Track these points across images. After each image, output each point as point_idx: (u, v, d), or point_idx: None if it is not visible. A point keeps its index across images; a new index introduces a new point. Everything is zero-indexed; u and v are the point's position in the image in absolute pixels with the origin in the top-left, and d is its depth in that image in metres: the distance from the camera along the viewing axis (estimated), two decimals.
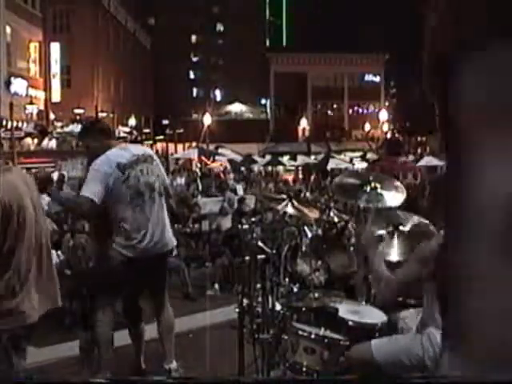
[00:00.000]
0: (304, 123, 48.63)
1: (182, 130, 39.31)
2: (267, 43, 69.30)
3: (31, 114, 32.82)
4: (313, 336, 3.13)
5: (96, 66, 42.28)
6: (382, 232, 3.46)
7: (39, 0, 36.06)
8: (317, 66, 57.14)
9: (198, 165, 23.23)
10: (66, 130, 31.20)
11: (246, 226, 4.38)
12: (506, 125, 0.56)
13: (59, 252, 7.34)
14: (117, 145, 4.41)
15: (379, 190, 3.70)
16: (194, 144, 33.58)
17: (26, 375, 3.36)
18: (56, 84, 39.65)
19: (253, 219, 5.22)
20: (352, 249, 4.23)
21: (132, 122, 42.56)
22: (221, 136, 36.94)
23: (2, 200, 2.81)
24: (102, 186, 4.08)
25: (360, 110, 59.79)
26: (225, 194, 11.61)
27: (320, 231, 4.55)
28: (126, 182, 4.16)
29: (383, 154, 5.55)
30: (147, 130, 44.44)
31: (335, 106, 60.70)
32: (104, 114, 35.98)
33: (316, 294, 3.61)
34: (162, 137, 40.23)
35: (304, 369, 3.11)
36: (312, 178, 18.62)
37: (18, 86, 31.69)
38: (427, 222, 3.32)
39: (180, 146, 35.81)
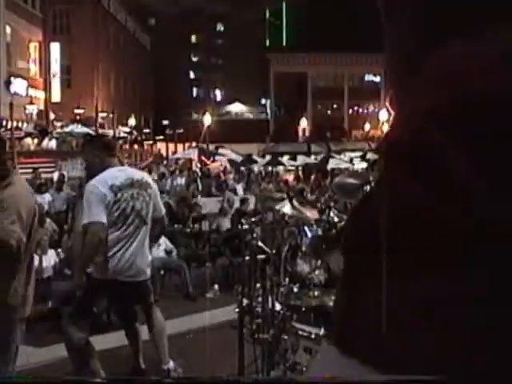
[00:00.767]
0: (304, 123, 48.68)
1: (181, 130, 39.33)
2: (267, 43, 69.33)
3: (31, 114, 32.83)
4: (313, 336, 3.13)
5: (96, 66, 42.29)
6: None
7: (39, 0, 36.06)
8: (317, 66, 57.16)
9: (198, 165, 23.24)
10: (66, 130, 31.20)
11: (246, 226, 4.38)
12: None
13: (59, 252, 7.36)
14: (116, 165, 4.40)
15: None
16: (194, 144, 33.60)
17: (22, 375, 3.37)
18: (56, 84, 39.66)
19: (253, 219, 5.22)
20: None
21: (132, 122, 42.55)
22: (221, 136, 36.96)
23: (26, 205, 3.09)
24: (103, 207, 4.10)
25: (360, 110, 59.81)
26: (224, 194, 11.62)
27: (320, 231, 4.55)
28: (117, 204, 4.16)
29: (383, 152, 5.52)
30: (147, 130, 44.45)
31: (335, 106, 60.73)
32: (104, 114, 36.01)
33: (316, 294, 3.61)
34: (161, 137, 40.24)
35: (304, 369, 3.11)
36: (312, 178, 18.63)
37: (18, 86, 31.69)
38: None
39: (180, 146, 35.83)
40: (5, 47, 30.86)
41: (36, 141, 28.90)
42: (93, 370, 4.19)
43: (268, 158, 31.77)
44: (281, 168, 28.09)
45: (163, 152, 34.45)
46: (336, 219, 4.47)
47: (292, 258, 4.43)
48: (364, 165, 23.43)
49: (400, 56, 0.59)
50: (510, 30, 0.47)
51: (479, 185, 0.46)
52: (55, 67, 39.64)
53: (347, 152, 36.46)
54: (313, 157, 31.45)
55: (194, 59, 72.08)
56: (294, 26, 66.01)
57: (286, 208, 4.24)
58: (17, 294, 3.15)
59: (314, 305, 3.44)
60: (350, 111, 60.02)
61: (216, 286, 7.86)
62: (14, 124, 24.83)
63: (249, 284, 3.98)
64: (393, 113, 0.60)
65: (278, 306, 3.66)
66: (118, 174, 4.28)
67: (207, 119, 34.41)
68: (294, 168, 27.00)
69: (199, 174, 19.08)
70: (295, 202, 4.27)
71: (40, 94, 35.84)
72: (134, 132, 41.16)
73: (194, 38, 70.99)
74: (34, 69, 36.00)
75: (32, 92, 33.28)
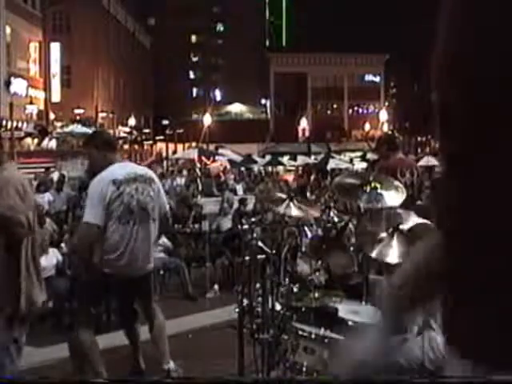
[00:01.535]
0: (304, 123, 48.65)
1: (182, 130, 39.32)
2: (267, 43, 69.33)
3: (31, 114, 32.81)
4: (313, 336, 3.13)
5: (96, 66, 42.28)
6: (383, 234, 3.46)
7: (39, 0, 36.04)
8: (317, 66, 57.13)
9: (198, 165, 23.23)
10: (66, 130, 31.20)
11: (245, 226, 4.37)
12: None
13: (59, 251, 7.35)
14: (118, 160, 4.40)
15: (379, 190, 3.70)
16: (194, 144, 33.59)
17: (21, 375, 3.37)
18: (56, 84, 39.64)
19: (253, 219, 5.22)
20: (352, 249, 4.22)
21: (132, 122, 42.55)
22: (221, 136, 36.95)
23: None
24: (101, 207, 4.08)
25: (360, 110, 59.77)
26: (223, 194, 11.61)
27: (320, 231, 4.54)
28: (120, 198, 4.14)
29: (384, 151, 5.52)
30: (147, 130, 44.47)
31: (335, 106, 60.69)
32: (104, 114, 36.02)
33: (316, 294, 3.61)
34: (161, 137, 40.24)
35: (304, 369, 3.11)
36: (312, 177, 18.62)
37: (18, 86, 31.67)
38: (427, 222, 3.32)
39: (180, 146, 35.83)
40: (5, 47, 30.84)
41: (36, 141, 28.90)
42: (98, 372, 4.18)
43: (268, 157, 31.78)
44: (281, 168, 28.09)
45: (164, 152, 34.47)
46: (336, 219, 4.46)
47: (292, 258, 4.42)
48: (364, 165, 23.42)
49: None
50: None
51: None
52: (55, 67, 39.62)
53: (347, 152, 36.46)
54: (313, 157, 31.45)
55: (194, 59, 72.07)
56: (293, 26, 65.99)
57: (286, 208, 4.24)
58: (21, 292, 3.11)
59: (314, 305, 3.44)
60: (350, 111, 60.00)
61: (216, 286, 7.86)
62: (14, 124, 24.83)
63: (249, 284, 3.97)
64: None
65: (278, 306, 3.66)
66: (120, 168, 4.27)
67: (207, 119, 34.41)
68: (293, 168, 27.00)
69: (199, 173, 19.08)
70: (295, 202, 4.27)
71: (40, 94, 35.83)
72: (134, 132, 41.16)
73: (194, 38, 70.99)
74: (33, 69, 35.98)
75: (32, 92, 33.26)
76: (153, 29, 64.57)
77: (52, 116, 37.01)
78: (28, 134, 28.98)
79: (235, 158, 27.32)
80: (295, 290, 3.81)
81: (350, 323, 3.14)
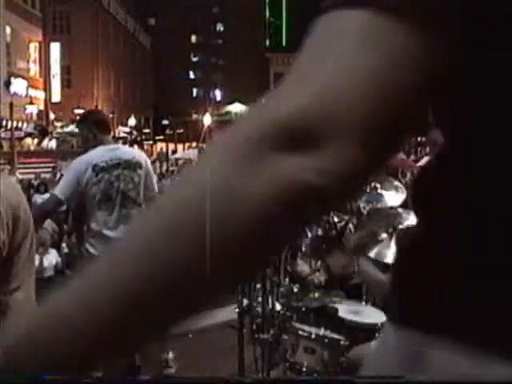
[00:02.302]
0: None
1: (181, 130, 39.33)
2: (267, 43, 69.33)
3: (31, 114, 32.83)
4: (313, 336, 3.13)
5: (96, 66, 42.29)
6: (383, 234, 3.46)
7: (39, 0, 36.06)
8: None
9: None
10: (66, 130, 31.22)
11: None
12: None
13: (59, 252, 7.37)
14: (108, 143, 4.34)
15: (379, 190, 3.70)
16: (194, 144, 33.60)
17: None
18: (56, 84, 39.67)
19: None
20: (352, 249, 4.22)
21: (132, 122, 42.57)
22: None
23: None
24: (72, 184, 4.05)
25: None
26: None
27: (320, 231, 4.54)
28: (98, 185, 4.11)
29: None
30: (147, 130, 44.47)
31: None
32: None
33: (316, 294, 3.61)
34: (161, 137, 40.26)
35: (304, 369, 3.11)
36: None
37: (18, 86, 31.69)
38: None
39: (180, 146, 35.84)
40: (5, 47, 30.85)
41: (36, 141, 28.91)
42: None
43: None
44: None
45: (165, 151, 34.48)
46: (336, 219, 4.46)
47: (292, 258, 4.43)
48: None
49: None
50: None
51: None
52: (55, 67, 39.65)
53: None
54: None
55: (194, 59, 72.08)
56: (293, 26, 66.00)
57: None
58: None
59: (314, 305, 3.44)
60: None
61: None
62: (14, 124, 24.84)
63: (249, 284, 3.97)
64: None
65: (278, 306, 3.66)
66: (106, 153, 4.20)
67: (207, 119, 34.41)
68: None
69: None
70: None
71: (40, 94, 35.84)
72: (134, 132, 41.17)
73: (193, 38, 71.00)
74: (33, 69, 36.00)
75: (32, 92, 33.27)
76: (153, 29, 64.59)
77: (52, 116, 37.03)
78: (28, 134, 29.00)
79: None
80: (295, 290, 3.82)
81: (350, 323, 3.15)
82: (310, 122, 0.45)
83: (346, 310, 3.28)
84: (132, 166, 4.30)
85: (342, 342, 3.07)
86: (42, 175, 15.49)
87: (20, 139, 26.47)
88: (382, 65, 0.46)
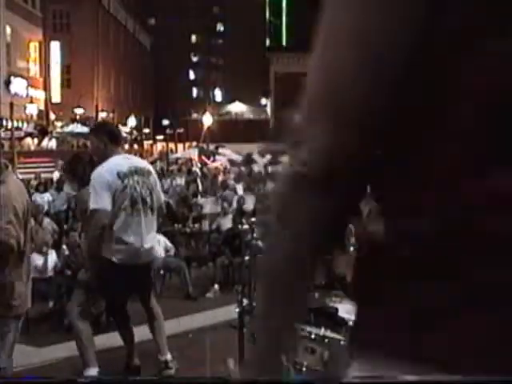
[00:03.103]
0: None
1: (181, 130, 39.31)
2: (267, 43, 69.27)
3: (31, 114, 32.82)
4: (313, 336, 3.13)
5: (96, 66, 42.28)
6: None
7: (39, 0, 36.05)
8: None
9: (199, 165, 23.23)
10: (66, 130, 31.23)
11: (246, 226, 4.38)
12: None
13: (59, 252, 7.36)
14: (120, 153, 4.47)
15: None
16: (194, 144, 33.59)
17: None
18: (56, 84, 39.65)
19: (253, 219, 5.22)
20: (352, 249, 4.22)
21: (132, 122, 42.55)
22: (221, 136, 36.93)
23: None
24: (109, 195, 4.16)
25: None
26: (222, 194, 11.61)
27: None
28: (125, 191, 4.23)
29: None
30: (147, 130, 44.45)
31: None
32: (104, 114, 35.99)
33: (316, 294, 3.61)
34: (161, 137, 40.24)
35: (304, 369, 3.11)
36: None
37: (18, 85, 31.69)
38: None
39: (180, 146, 35.82)
40: (5, 47, 30.85)
41: (36, 141, 28.90)
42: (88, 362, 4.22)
43: (268, 157, 31.75)
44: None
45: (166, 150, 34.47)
46: None
47: None
48: None
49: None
50: None
51: None
52: (55, 67, 39.64)
53: None
54: None
55: (194, 59, 72.05)
56: (293, 25, 65.95)
57: None
58: (14, 292, 3.14)
59: (314, 305, 3.44)
60: None
61: (216, 286, 7.86)
62: (14, 124, 24.82)
63: (249, 284, 3.98)
64: None
65: None
66: (123, 161, 4.35)
67: (207, 119, 34.42)
68: None
69: (199, 173, 19.07)
70: None
71: (40, 94, 35.83)
72: (134, 132, 41.14)
73: (193, 38, 70.96)
74: (33, 69, 35.99)
75: (32, 92, 33.26)
76: (153, 29, 64.56)
77: (52, 116, 37.02)
78: (28, 134, 28.99)
79: (235, 157, 27.31)
80: None
81: (350, 323, 3.15)
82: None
83: (345, 310, 3.28)
84: (145, 173, 4.44)
85: (342, 342, 3.07)
86: (42, 175, 15.49)
87: (20, 139, 26.44)
88: None
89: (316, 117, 0.67)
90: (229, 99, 64.62)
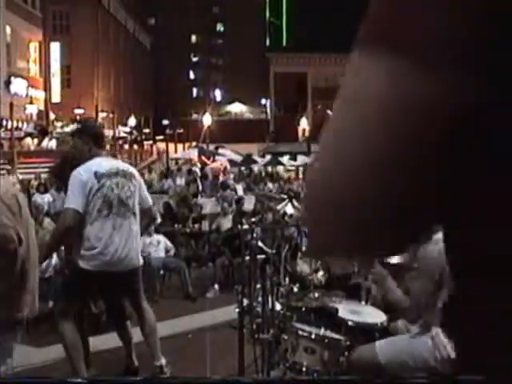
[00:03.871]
0: (304, 123, 48.65)
1: (181, 130, 39.33)
2: (267, 43, 69.32)
3: (31, 114, 32.83)
4: (313, 336, 3.13)
5: (96, 66, 42.29)
6: None
7: (39, 0, 36.06)
8: (317, 66, 57.16)
9: (199, 165, 23.25)
10: (66, 130, 31.19)
11: (246, 226, 4.37)
12: None
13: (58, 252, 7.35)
14: (103, 155, 4.42)
15: None
16: (194, 144, 33.60)
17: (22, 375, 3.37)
18: (56, 84, 39.69)
19: (253, 219, 5.21)
20: None
21: (132, 122, 42.56)
22: (221, 136, 36.96)
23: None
24: (83, 195, 4.09)
25: None
26: (222, 194, 11.62)
27: None
28: (100, 191, 4.15)
29: None
30: (147, 130, 44.47)
31: None
32: (104, 114, 36.00)
33: (316, 294, 3.61)
34: (161, 137, 40.25)
35: (304, 369, 3.11)
36: None
37: (18, 86, 31.70)
38: None
39: (180, 146, 35.84)
40: (5, 47, 30.86)
41: (36, 141, 28.92)
42: (76, 368, 4.20)
43: (268, 157, 31.78)
44: (281, 168, 28.10)
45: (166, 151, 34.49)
46: None
47: (292, 258, 4.42)
48: None
49: None
50: None
51: None
52: (55, 67, 39.66)
53: None
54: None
55: (194, 59, 72.08)
56: (294, 25, 66.01)
57: (286, 208, 4.24)
58: (11, 294, 3.10)
59: (314, 305, 3.44)
60: None
61: (216, 286, 7.86)
62: (14, 124, 24.83)
63: (249, 284, 3.97)
64: None
65: (278, 306, 3.66)
66: (103, 162, 4.29)
67: (207, 119, 34.42)
68: (293, 168, 27.01)
69: (199, 173, 19.09)
70: (295, 202, 4.27)
71: (40, 94, 35.85)
72: (134, 132, 41.16)
73: (193, 38, 71.00)
74: (34, 69, 36.01)
75: (32, 92, 33.28)
76: (153, 29, 64.59)
77: (52, 116, 37.03)
78: (28, 134, 29.01)
79: (235, 157, 27.33)
80: (295, 290, 3.81)
81: (349, 323, 3.15)
82: None
83: (346, 309, 3.28)
84: (128, 175, 4.36)
85: (341, 342, 3.07)
86: (42, 175, 15.48)
87: (20, 139, 26.48)
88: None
89: None
90: (229, 99, 64.68)
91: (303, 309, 3.41)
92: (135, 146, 36.52)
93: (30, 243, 3.25)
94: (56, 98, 39.20)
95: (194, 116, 55.77)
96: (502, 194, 0.49)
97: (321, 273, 3.96)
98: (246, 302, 3.88)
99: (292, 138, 45.89)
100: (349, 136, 0.48)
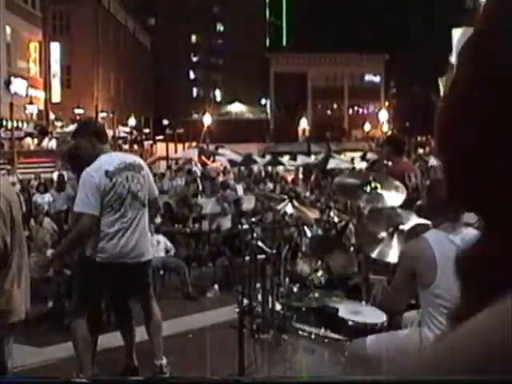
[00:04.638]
0: (304, 123, 48.70)
1: (181, 130, 39.34)
2: (267, 43, 69.35)
3: (31, 114, 32.83)
4: (313, 336, 3.13)
5: (96, 66, 42.29)
6: (383, 234, 3.46)
7: (39, 0, 36.06)
8: (317, 66, 57.19)
9: (199, 165, 23.25)
10: (66, 130, 31.19)
11: (246, 226, 4.37)
12: None
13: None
14: (108, 151, 4.42)
15: (379, 190, 3.70)
16: (194, 144, 33.61)
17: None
18: (56, 84, 39.67)
19: (253, 219, 5.22)
20: (352, 249, 4.23)
21: (132, 122, 42.53)
22: (221, 136, 36.96)
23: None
24: (97, 198, 4.11)
25: (360, 110, 59.85)
26: (220, 193, 11.62)
27: (320, 231, 4.54)
28: (114, 189, 4.18)
29: (387, 151, 5.51)
30: (147, 130, 44.47)
31: (335, 105, 60.76)
32: (104, 114, 35.99)
33: (316, 294, 3.61)
34: (161, 137, 40.25)
35: (304, 369, 3.11)
36: (312, 177, 18.62)
37: (18, 86, 31.69)
38: (427, 222, 3.32)
39: (180, 146, 35.84)
40: (5, 47, 30.86)
41: (36, 141, 28.92)
42: (83, 366, 4.20)
43: (268, 157, 31.78)
44: (281, 168, 28.10)
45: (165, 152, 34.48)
46: (336, 219, 4.47)
47: (292, 258, 4.43)
48: (364, 165, 23.41)
49: None
50: None
51: None
52: (55, 67, 39.65)
53: (347, 152, 36.46)
54: (313, 157, 31.44)
55: (194, 59, 72.06)
56: (293, 26, 66.03)
57: (286, 208, 4.24)
58: (4, 296, 3.08)
59: (314, 305, 3.44)
60: (350, 111, 60.04)
61: (216, 286, 7.86)
62: (14, 124, 24.84)
63: (249, 284, 3.97)
64: None
65: (278, 306, 3.66)
66: (111, 159, 4.30)
67: (207, 119, 34.43)
68: (293, 168, 27.01)
69: (199, 174, 19.09)
70: (295, 202, 4.27)
71: (40, 94, 35.84)
72: (134, 132, 41.14)
73: (193, 38, 70.98)
74: (34, 69, 35.99)
75: (32, 92, 33.27)
76: (153, 29, 64.58)
77: (52, 116, 37.02)
78: (28, 134, 29.00)
79: (235, 157, 27.33)
80: (295, 290, 3.82)
81: (349, 323, 3.15)
82: None
83: (346, 309, 3.28)
84: (136, 168, 4.39)
85: (341, 342, 3.07)
86: (42, 175, 15.49)
87: (20, 139, 26.46)
88: None
89: None
90: (229, 99, 64.67)
91: (303, 309, 3.41)
92: (135, 146, 36.51)
93: (22, 247, 3.22)
94: (56, 98, 39.18)
95: (194, 116, 55.77)
96: None
97: (321, 273, 3.96)
98: (245, 301, 3.88)
99: (292, 138, 45.92)
100: None
